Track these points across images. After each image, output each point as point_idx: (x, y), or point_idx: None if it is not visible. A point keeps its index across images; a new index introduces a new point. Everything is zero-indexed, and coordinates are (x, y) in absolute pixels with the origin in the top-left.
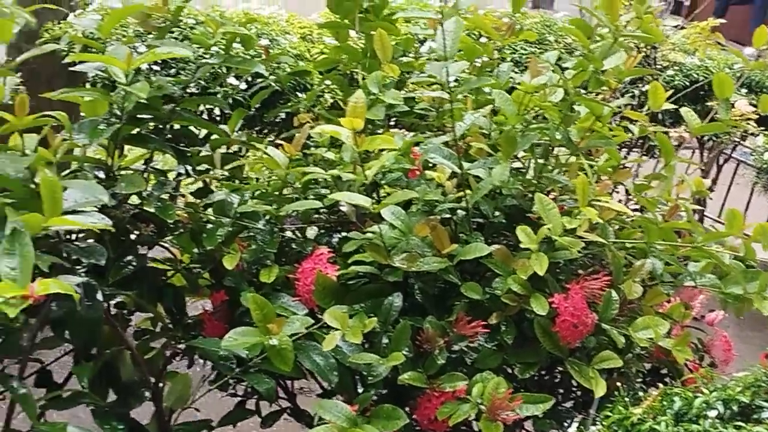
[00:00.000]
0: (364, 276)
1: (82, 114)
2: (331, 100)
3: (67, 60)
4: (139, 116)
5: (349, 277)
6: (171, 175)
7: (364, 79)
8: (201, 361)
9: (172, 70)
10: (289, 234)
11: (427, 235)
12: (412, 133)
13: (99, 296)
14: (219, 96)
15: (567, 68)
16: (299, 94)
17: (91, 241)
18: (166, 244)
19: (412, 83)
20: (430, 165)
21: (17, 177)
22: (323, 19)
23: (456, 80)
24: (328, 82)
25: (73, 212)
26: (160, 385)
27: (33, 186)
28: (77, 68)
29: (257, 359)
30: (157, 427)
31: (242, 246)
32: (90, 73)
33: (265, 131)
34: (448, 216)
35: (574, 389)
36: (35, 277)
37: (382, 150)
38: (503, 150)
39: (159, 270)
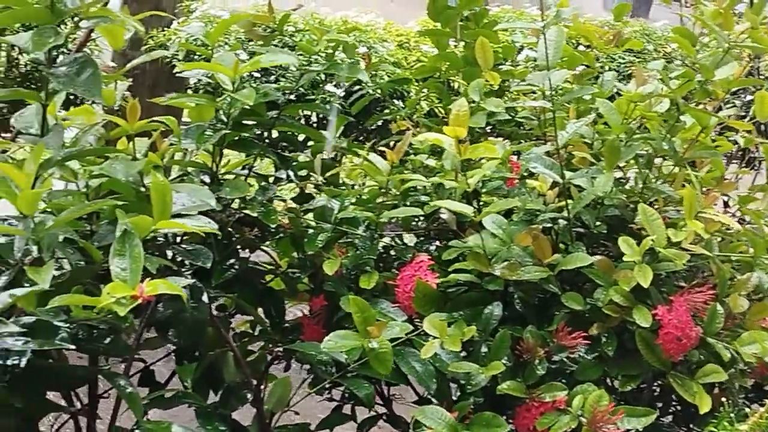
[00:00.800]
0: (464, 284)
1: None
2: (427, 108)
3: (177, 67)
4: (243, 122)
5: (448, 284)
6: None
7: (461, 87)
8: (298, 364)
9: (272, 77)
10: (387, 240)
11: (528, 244)
12: (509, 141)
13: (204, 298)
14: (318, 102)
15: (671, 78)
16: (395, 102)
17: (196, 244)
18: (266, 248)
19: (513, 91)
20: (530, 174)
21: (128, 180)
22: (420, 26)
23: (557, 88)
24: (425, 90)
25: (181, 215)
26: (262, 387)
27: (143, 189)
28: (184, 75)
29: (355, 364)
30: (258, 429)
31: (341, 252)
32: (191, 79)
33: (360, 138)
34: (548, 225)
35: (673, 403)
36: (144, 278)
37: (483, 158)
38: (606, 159)
39: (259, 273)
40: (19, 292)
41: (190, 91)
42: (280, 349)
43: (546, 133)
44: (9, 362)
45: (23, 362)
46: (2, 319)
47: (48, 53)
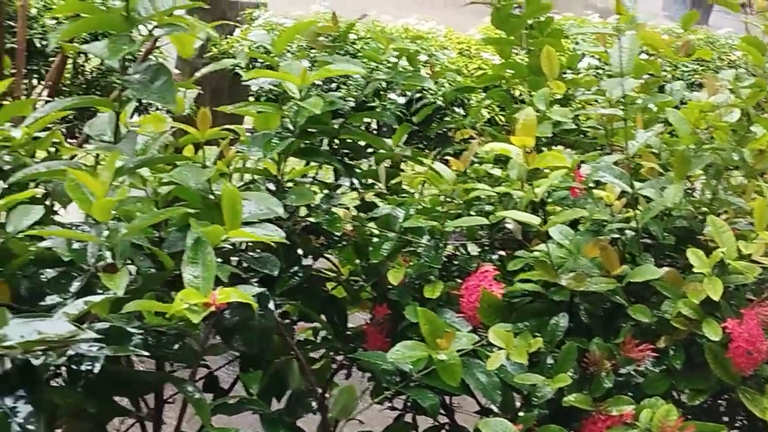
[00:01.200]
0: (529, 294)
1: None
2: (488, 116)
3: (241, 74)
4: (309, 130)
5: (513, 295)
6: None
7: (523, 95)
8: (359, 372)
9: (333, 84)
10: (451, 249)
11: (596, 255)
12: (573, 150)
13: (271, 306)
14: (378, 110)
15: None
16: (456, 109)
17: (262, 251)
18: (327, 255)
19: (578, 100)
20: (596, 183)
21: (197, 188)
22: (481, 34)
23: (624, 97)
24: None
25: (250, 223)
26: (326, 395)
27: (211, 197)
28: (252, 83)
29: (420, 374)
30: None
31: (405, 260)
32: (253, 87)
33: (421, 146)
34: (616, 236)
35: (740, 418)
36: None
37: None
38: (676, 170)
39: (322, 280)
40: (94, 298)
41: (251, 98)
42: (344, 357)
43: (613, 143)
44: (83, 368)
45: (97, 368)
46: (79, 326)
47: (122, 61)
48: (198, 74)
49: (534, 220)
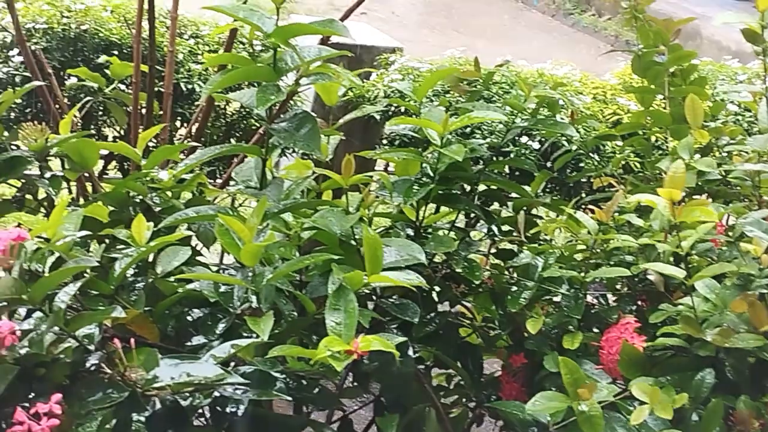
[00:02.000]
0: (670, 348)
1: None
2: (623, 163)
3: (388, 123)
4: (449, 176)
5: (654, 348)
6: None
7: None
8: (491, 420)
9: (467, 128)
10: (589, 299)
11: (743, 311)
12: (713, 200)
13: (410, 352)
14: (517, 156)
15: None
16: (592, 156)
17: (399, 297)
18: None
19: (722, 149)
20: (741, 236)
21: (339, 234)
22: (617, 79)
23: None
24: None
25: (390, 269)
26: None
27: (352, 242)
28: (392, 129)
29: (557, 426)
30: None
31: (543, 309)
32: (386, 130)
33: (555, 192)
34: (764, 291)
35: None
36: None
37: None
38: None
39: (456, 327)
40: (241, 342)
41: (384, 142)
42: (476, 404)
43: (761, 195)
44: (227, 410)
45: (241, 410)
46: (226, 369)
47: (269, 110)
48: (341, 121)
49: (679, 273)
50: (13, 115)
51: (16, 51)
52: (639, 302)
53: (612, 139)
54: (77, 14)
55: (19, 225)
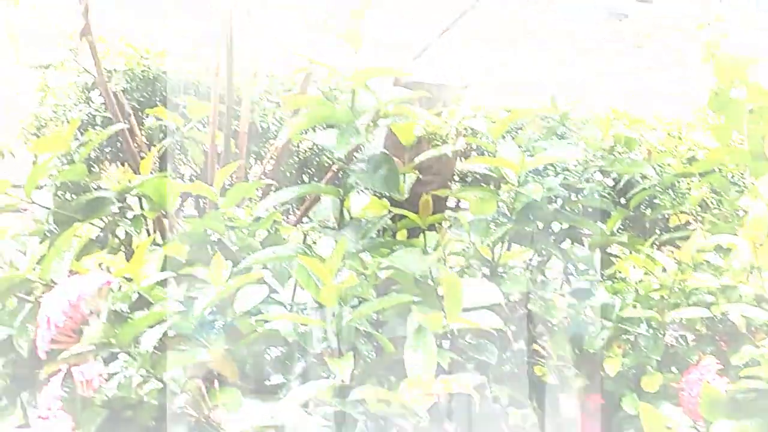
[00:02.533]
0: (754, 390)
1: None
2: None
3: (466, 162)
4: (525, 215)
5: (736, 390)
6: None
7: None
8: None
9: (540, 166)
10: (668, 339)
11: None
12: None
13: (488, 393)
14: (586, 192)
15: None
16: (668, 192)
17: (475, 336)
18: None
19: None
20: None
21: (416, 274)
22: (695, 116)
23: None
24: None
25: (468, 310)
26: None
27: (430, 282)
28: (470, 168)
29: None
30: None
31: (620, 348)
32: (458, 167)
33: (628, 229)
34: None
35: None
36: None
37: None
38: None
39: (532, 366)
40: (321, 384)
41: (455, 179)
42: None
43: None
44: None
45: None
46: (308, 411)
47: (348, 151)
48: (417, 160)
49: (764, 315)
50: (93, 154)
51: (96, 92)
52: (719, 342)
53: (690, 176)
54: (156, 56)
55: (99, 265)
